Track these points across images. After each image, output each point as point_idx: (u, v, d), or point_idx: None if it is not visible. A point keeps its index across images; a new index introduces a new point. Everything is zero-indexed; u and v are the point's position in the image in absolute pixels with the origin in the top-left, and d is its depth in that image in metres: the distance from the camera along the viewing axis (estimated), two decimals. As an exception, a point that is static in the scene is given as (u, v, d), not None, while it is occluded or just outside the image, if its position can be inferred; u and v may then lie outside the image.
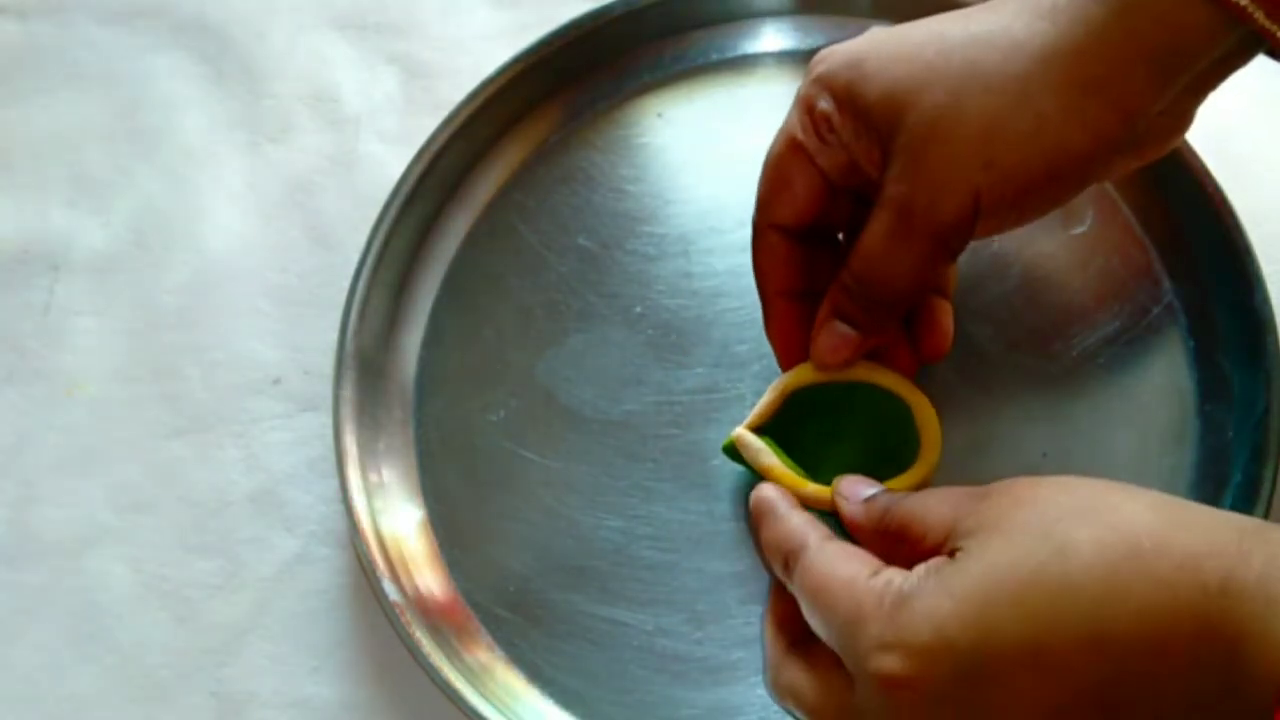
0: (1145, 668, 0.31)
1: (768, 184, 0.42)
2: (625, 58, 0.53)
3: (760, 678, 0.42)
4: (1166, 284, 0.47)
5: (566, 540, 0.45)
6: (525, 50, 0.52)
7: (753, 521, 0.41)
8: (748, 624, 0.43)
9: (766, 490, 0.41)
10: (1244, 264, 0.45)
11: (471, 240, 0.51)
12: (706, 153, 0.52)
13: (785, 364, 0.44)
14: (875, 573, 0.35)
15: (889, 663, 0.33)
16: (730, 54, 0.53)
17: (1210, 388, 0.45)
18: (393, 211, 0.49)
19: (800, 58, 0.52)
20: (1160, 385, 0.45)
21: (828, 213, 0.42)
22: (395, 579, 0.44)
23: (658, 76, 0.53)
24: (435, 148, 0.50)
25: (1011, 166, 0.37)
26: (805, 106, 0.41)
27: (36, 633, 0.47)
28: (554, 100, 0.52)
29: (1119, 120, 0.37)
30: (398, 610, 0.43)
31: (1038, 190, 0.38)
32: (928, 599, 0.33)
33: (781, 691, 0.37)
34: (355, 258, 0.49)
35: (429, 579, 0.45)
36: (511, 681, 0.43)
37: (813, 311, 0.42)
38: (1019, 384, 0.46)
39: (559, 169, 0.51)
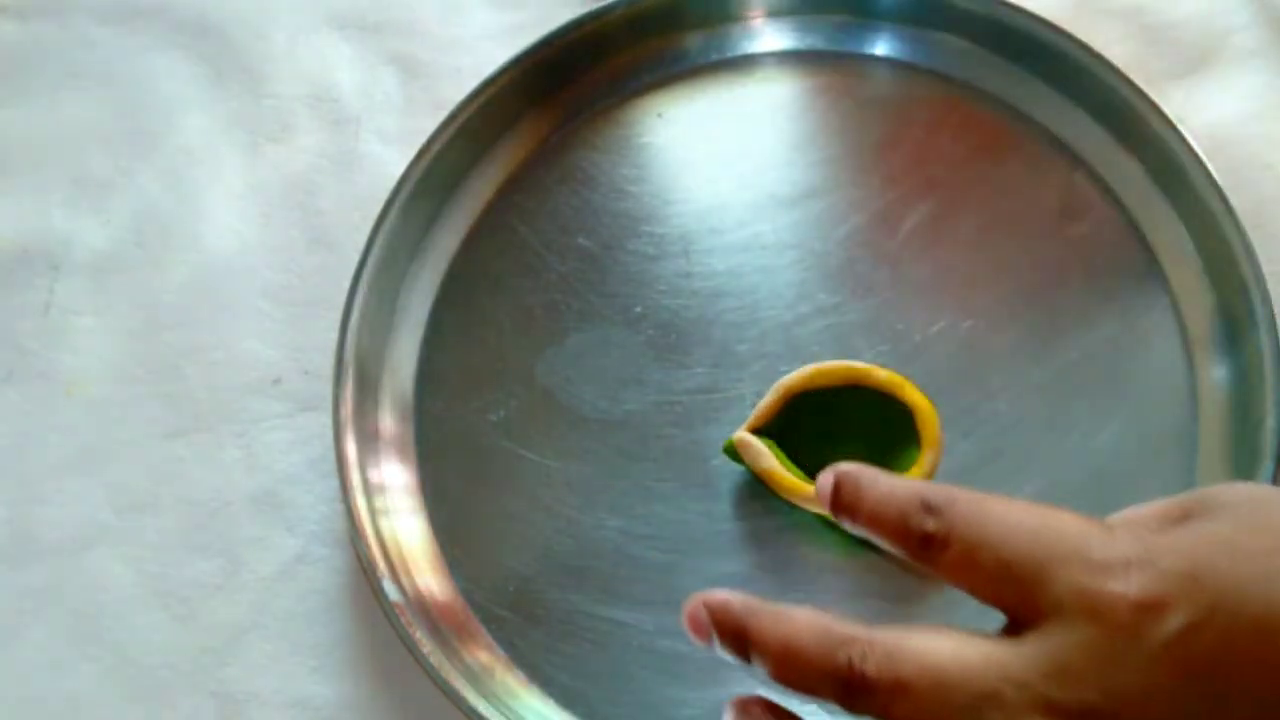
0: None
1: None
2: (625, 58, 0.53)
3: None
4: (1166, 284, 0.47)
5: (566, 540, 0.45)
6: (525, 50, 0.51)
7: (840, 487, 0.32)
8: (748, 624, 0.43)
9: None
10: (1244, 264, 0.45)
11: (471, 240, 0.51)
12: (706, 153, 0.52)
13: None
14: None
15: (1138, 581, 0.26)
16: (730, 54, 0.53)
17: (1210, 388, 0.45)
18: (393, 211, 0.49)
19: (800, 58, 0.52)
20: (1160, 385, 0.45)
21: None
22: (395, 579, 0.44)
23: (658, 76, 0.53)
24: (435, 148, 0.50)
25: None
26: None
27: (36, 633, 0.47)
28: (554, 100, 0.52)
29: None
30: (398, 610, 0.43)
31: None
32: (1165, 536, 0.27)
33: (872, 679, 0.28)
34: (355, 258, 0.49)
35: (429, 579, 0.45)
36: (511, 681, 0.43)
37: None
38: (1019, 384, 0.46)
39: (559, 169, 0.51)
